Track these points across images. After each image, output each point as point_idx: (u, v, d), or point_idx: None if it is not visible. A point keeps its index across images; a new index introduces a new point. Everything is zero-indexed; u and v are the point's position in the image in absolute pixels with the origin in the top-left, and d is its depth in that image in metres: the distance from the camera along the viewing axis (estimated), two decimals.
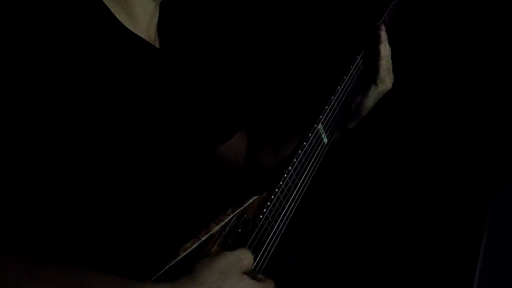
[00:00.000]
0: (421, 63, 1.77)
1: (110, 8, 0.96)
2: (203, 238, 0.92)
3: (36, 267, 0.76)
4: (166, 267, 0.86)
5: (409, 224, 1.75)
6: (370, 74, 1.22)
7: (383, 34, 1.21)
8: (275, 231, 1.00)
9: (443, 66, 1.82)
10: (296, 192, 1.05)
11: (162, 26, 1.09)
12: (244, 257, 0.87)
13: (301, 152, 1.05)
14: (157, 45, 1.07)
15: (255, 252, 0.95)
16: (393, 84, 1.25)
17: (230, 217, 0.95)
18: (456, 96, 1.84)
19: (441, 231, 1.73)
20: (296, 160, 1.04)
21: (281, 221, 1.02)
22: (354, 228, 1.76)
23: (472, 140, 1.81)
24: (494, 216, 1.57)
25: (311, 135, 1.07)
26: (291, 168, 1.03)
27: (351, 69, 1.17)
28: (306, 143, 1.06)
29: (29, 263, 0.76)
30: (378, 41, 1.20)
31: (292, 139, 1.24)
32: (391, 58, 1.23)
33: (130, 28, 0.98)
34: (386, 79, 1.22)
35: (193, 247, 0.90)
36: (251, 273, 0.89)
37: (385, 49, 1.20)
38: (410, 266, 1.66)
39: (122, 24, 0.97)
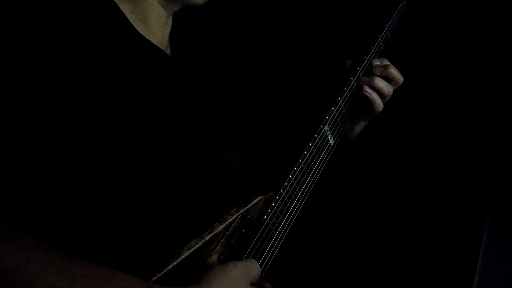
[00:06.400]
0: (423, 63, 1.76)
1: (126, 15, 0.98)
2: (207, 238, 0.91)
3: (62, 260, 0.75)
4: (170, 266, 0.86)
5: (410, 225, 1.75)
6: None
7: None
8: (279, 232, 1.00)
9: (444, 66, 1.82)
10: (301, 193, 1.05)
11: (174, 35, 1.11)
12: (253, 268, 0.89)
13: (307, 153, 1.05)
14: (168, 53, 1.09)
15: (258, 252, 0.95)
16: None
17: (234, 217, 0.95)
18: (457, 96, 1.84)
19: (441, 232, 1.73)
20: (302, 161, 1.04)
21: (285, 222, 1.02)
22: (358, 230, 1.77)
23: (471, 140, 1.81)
24: (494, 216, 1.57)
25: (317, 136, 1.07)
26: (296, 169, 1.03)
27: (358, 70, 1.16)
28: (312, 144, 1.06)
29: (56, 256, 0.75)
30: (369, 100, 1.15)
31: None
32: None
33: (144, 35, 1.00)
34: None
35: (197, 246, 0.90)
36: (258, 284, 0.91)
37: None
38: (411, 266, 1.66)
39: (137, 31, 0.99)
